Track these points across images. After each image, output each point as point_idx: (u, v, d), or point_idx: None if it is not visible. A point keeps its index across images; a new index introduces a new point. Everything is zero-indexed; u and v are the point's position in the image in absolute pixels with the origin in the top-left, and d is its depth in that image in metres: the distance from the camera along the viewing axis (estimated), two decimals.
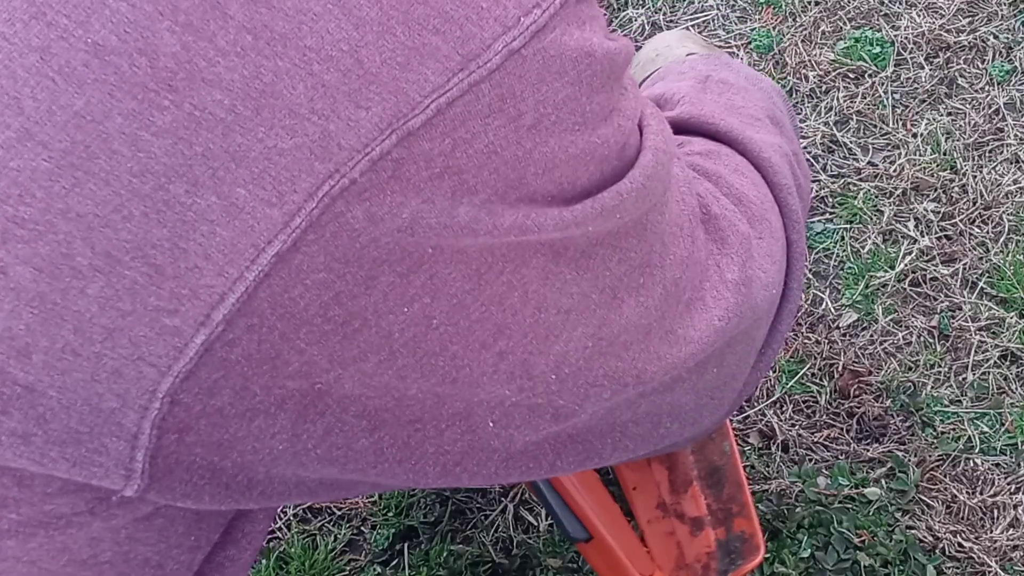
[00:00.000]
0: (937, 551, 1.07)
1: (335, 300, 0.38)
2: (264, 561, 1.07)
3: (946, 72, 1.42)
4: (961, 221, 1.28)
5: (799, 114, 1.40)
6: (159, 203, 0.36)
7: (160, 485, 0.41)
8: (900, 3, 1.49)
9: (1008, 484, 1.11)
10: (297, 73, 0.36)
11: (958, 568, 1.06)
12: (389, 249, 0.38)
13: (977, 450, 1.13)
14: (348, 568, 1.08)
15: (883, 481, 1.11)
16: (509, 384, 0.44)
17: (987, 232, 1.28)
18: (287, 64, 0.36)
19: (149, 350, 0.37)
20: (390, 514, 1.10)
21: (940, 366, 1.19)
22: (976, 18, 1.47)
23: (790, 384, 1.18)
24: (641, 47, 0.98)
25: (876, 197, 1.31)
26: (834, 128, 1.38)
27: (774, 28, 1.48)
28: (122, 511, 0.43)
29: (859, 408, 1.16)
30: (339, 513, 1.12)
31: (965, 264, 1.25)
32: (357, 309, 0.39)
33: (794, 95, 1.41)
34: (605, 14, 1.51)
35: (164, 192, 0.36)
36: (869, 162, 1.34)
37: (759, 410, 1.16)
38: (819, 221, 1.30)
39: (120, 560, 0.44)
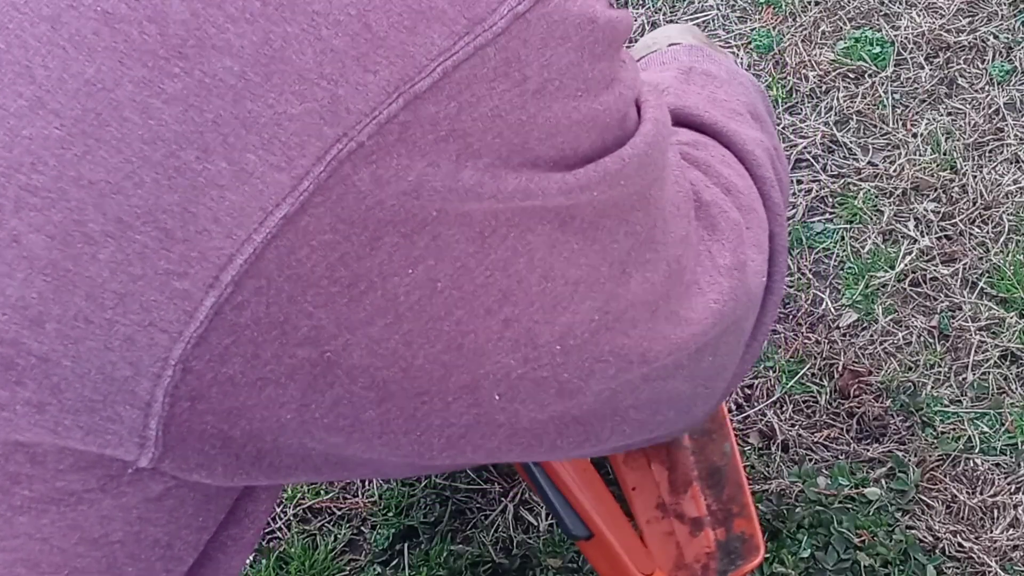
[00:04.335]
0: (937, 551, 1.07)
1: (341, 261, 0.38)
2: (264, 561, 1.07)
3: (946, 72, 1.42)
4: (961, 221, 1.28)
5: (799, 114, 1.40)
6: (170, 169, 0.36)
7: (174, 454, 0.41)
8: (900, 3, 1.49)
9: (1008, 484, 1.11)
10: (306, 38, 0.36)
11: (958, 568, 1.06)
12: (394, 211, 0.38)
13: (977, 450, 1.13)
14: (348, 568, 1.08)
15: (883, 481, 1.11)
16: (514, 353, 0.44)
17: (987, 232, 1.28)
18: (296, 29, 0.36)
19: (160, 315, 0.37)
20: (390, 514, 1.10)
21: (940, 366, 1.19)
22: (976, 18, 1.47)
23: (790, 384, 1.18)
24: (640, 39, 0.98)
25: (876, 197, 1.31)
26: (834, 128, 1.38)
27: (774, 28, 1.48)
28: (132, 489, 0.43)
29: (859, 408, 1.16)
30: (339, 513, 1.12)
31: (965, 264, 1.25)
32: (363, 271, 0.39)
33: (794, 95, 1.41)
34: None
35: (175, 159, 0.36)
36: (869, 162, 1.34)
37: (759, 410, 1.16)
38: (819, 221, 1.30)
39: (131, 540, 0.45)
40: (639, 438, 0.56)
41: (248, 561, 1.07)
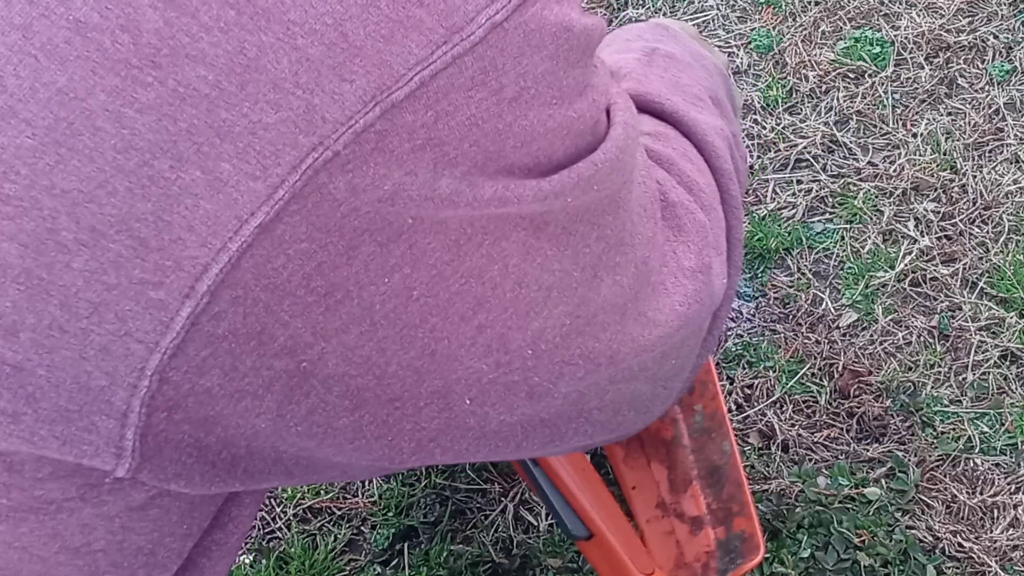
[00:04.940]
0: (937, 551, 1.07)
1: (317, 271, 0.38)
2: (264, 561, 1.07)
3: (946, 72, 1.42)
4: (961, 221, 1.28)
5: (799, 114, 1.40)
6: (143, 178, 0.36)
7: (151, 464, 0.41)
8: (900, 3, 1.49)
9: (1008, 484, 1.11)
10: (281, 47, 0.36)
11: (958, 568, 1.05)
12: (370, 219, 0.38)
13: (977, 450, 1.13)
14: (348, 568, 1.08)
15: (883, 481, 1.11)
16: (486, 358, 0.44)
17: (987, 232, 1.28)
18: (271, 38, 0.36)
19: (136, 325, 0.37)
20: (390, 514, 1.10)
21: (940, 366, 1.19)
22: (976, 18, 1.47)
23: (790, 384, 1.18)
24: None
25: (876, 197, 1.31)
26: (834, 128, 1.38)
27: (774, 28, 1.48)
28: (113, 498, 0.43)
29: (859, 408, 1.15)
30: (339, 513, 1.12)
31: (965, 264, 1.25)
32: (339, 280, 0.39)
33: (794, 95, 1.41)
34: (605, 15, 1.51)
35: (148, 168, 0.36)
36: (869, 162, 1.34)
37: (759, 410, 1.16)
38: (819, 221, 1.30)
39: (113, 549, 0.45)
40: (600, 438, 0.57)
41: (248, 561, 1.07)
